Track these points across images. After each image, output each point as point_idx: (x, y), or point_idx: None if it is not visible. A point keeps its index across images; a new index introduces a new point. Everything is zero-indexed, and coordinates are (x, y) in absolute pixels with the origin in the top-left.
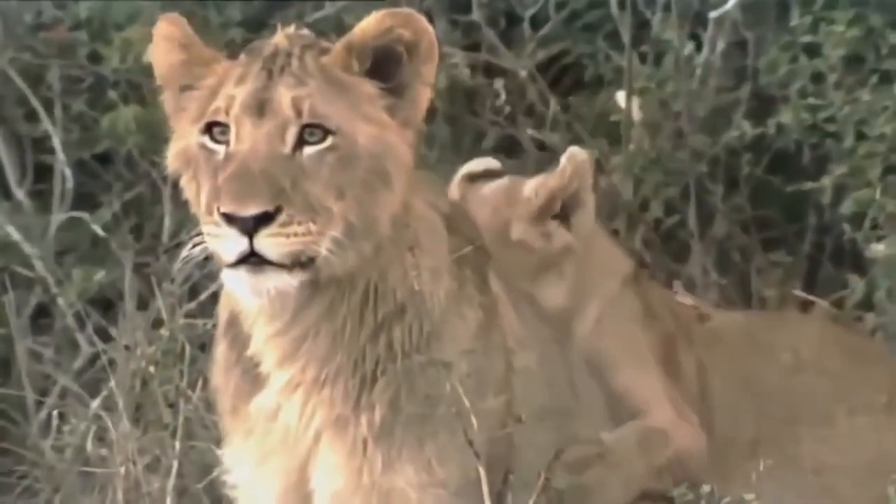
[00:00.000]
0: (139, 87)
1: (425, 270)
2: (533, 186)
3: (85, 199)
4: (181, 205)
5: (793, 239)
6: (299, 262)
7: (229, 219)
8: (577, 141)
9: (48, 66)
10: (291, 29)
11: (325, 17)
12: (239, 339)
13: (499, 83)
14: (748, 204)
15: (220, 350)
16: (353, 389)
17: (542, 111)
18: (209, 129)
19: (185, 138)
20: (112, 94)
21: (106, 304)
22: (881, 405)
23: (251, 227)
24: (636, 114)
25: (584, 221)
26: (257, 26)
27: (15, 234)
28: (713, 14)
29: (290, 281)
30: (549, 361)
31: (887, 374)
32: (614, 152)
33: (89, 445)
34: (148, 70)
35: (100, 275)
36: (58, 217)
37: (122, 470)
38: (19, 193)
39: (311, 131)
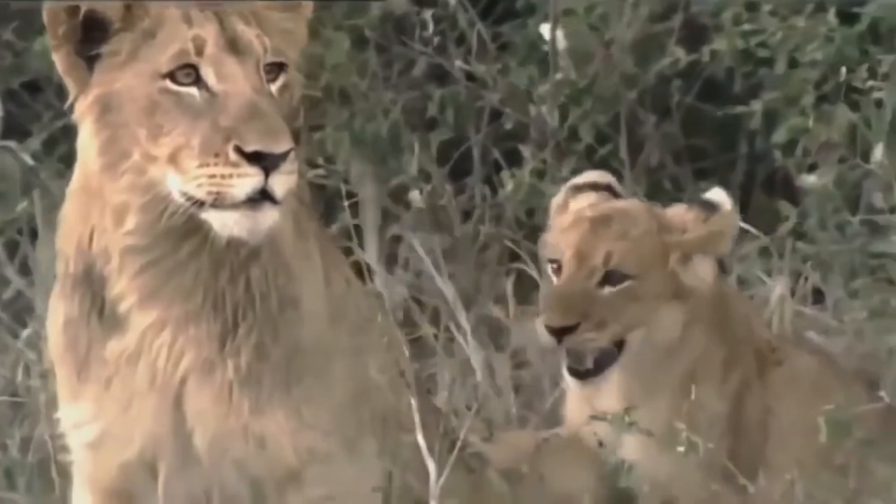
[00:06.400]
0: None
1: None
2: (682, 219)
3: (14, 129)
4: None
5: (725, 168)
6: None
7: (256, 157)
8: (505, 70)
9: None
10: None
11: None
12: (93, 288)
13: (427, 13)
14: (680, 132)
15: (72, 304)
16: (216, 333)
17: (472, 41)
18: (171, 73)
19: (105, 84)
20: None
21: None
22: None
23: (276, 163)
24: (562, 42)
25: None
26: None
27: None
28: None
29: (278, 218)
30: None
31: None
32: (543, 82)
33: (19, 376)
34: None
35: (22, 205)
36: None
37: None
38: None
39: (269, 68)
